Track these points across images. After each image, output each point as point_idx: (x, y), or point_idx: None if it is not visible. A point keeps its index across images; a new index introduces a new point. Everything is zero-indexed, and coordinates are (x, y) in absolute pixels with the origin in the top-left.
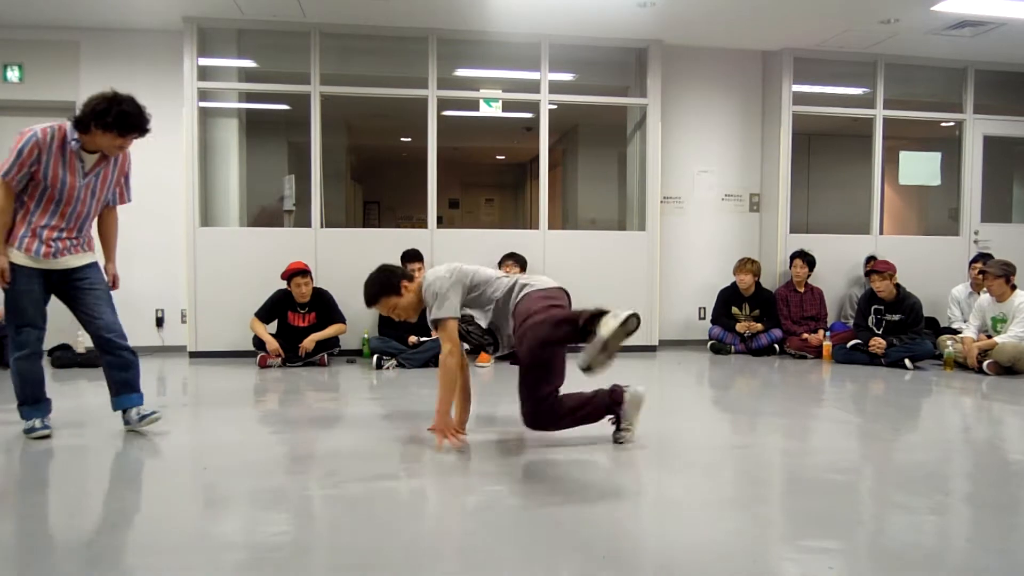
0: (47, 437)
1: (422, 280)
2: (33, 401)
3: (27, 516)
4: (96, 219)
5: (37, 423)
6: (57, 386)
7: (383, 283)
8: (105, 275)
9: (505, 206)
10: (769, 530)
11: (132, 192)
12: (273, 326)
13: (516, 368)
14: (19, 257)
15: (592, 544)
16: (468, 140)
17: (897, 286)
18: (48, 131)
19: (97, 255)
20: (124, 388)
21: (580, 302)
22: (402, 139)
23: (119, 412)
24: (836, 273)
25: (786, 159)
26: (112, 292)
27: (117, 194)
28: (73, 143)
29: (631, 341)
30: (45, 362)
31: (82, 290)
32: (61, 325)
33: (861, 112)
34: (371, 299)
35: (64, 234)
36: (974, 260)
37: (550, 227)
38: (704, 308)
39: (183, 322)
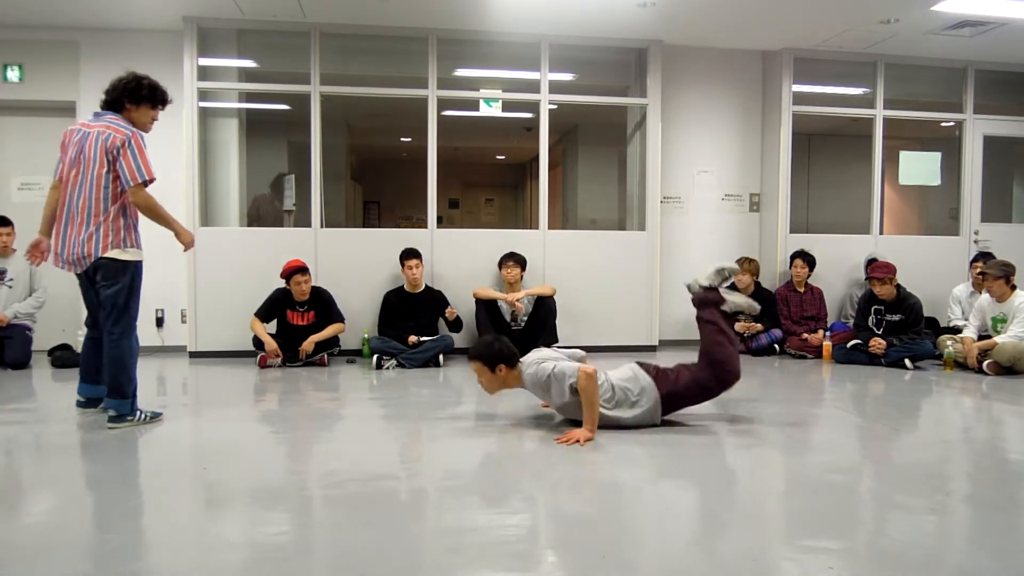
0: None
1: (520, 371)
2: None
3: (26, 516)
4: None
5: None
6: (58, 386)
7: (494, 353)
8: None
9: (505, 206)
10: (769, 530)
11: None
12: (273, 325)
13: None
14: (141, 255)
15: (592, 544)
16: (468, 140)
17: (897, 286)
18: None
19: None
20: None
21: (580, 302)
22: (402, 139)
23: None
24: (836, 273)
25: (786, 159)
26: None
27: None
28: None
29: (631, 341)
30: (45, 362)
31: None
32: (62, 325)
33: (861, 112)
34: (476, 357)
35: None
36: (975, 259)
37: (550, 227)
38: None
39: (183, 322)
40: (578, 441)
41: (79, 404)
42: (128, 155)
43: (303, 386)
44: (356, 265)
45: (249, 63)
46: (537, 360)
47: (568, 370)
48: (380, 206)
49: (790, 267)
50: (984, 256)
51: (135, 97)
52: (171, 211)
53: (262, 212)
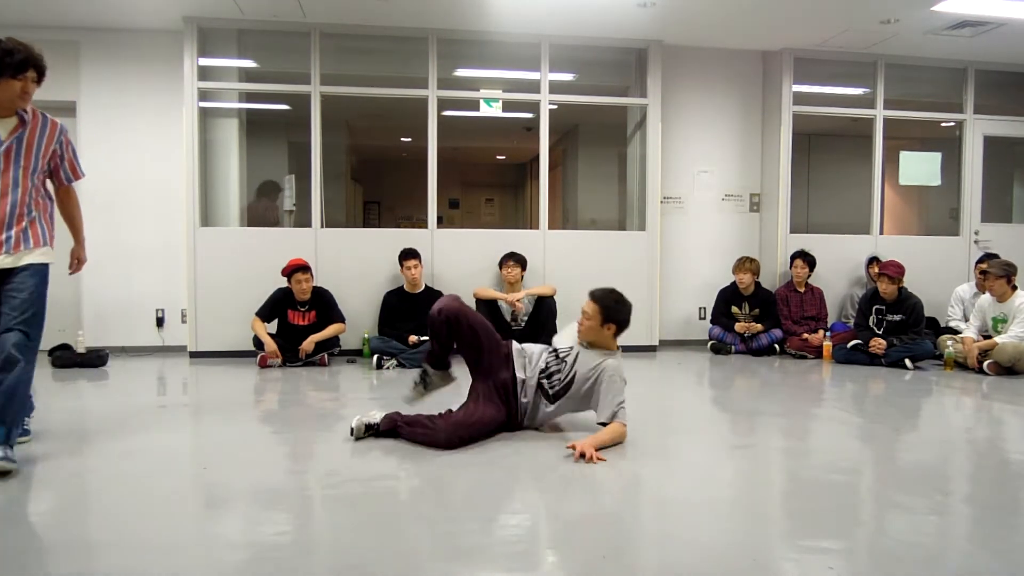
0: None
1: (611, 354)
2: None
3: (26, 516)
4: (55, 203)
5: None
6: (57, 386)
7: (617, 312)
8: (70, 258)
9: (505, 206)
10: (769, 530)
11: (83, 166)
12: (274, 325)
13: None
14: None
15: (592, 544)
16: (468, 140)
17: (899, 287)
18: None
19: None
20: None
21: (580, 301)
22: (402, 139)
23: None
24: (836, 273)
25: (786, 159)
26: (75, 274)
27: (68, 170)
28: None
29: (631, 341)
30: (45, 361)
31: (6, 296)
32: (62, 325)
33: (861, 112)
34: (597, 300)
35: None
36: (980, 260)
37: (550, 227)
38: (704, 308)
39: (183, 322)
40: (583, 454)
41: None
42: None
43: (303, 386)
44: (356, 265)
45: (249, 63)
46: (621, 380)
47: (621, 413)
48: (380, 206)
49: (790, 267)
50: (990, 257)
51: None
52: (171, 211)
53: (260, 217)
